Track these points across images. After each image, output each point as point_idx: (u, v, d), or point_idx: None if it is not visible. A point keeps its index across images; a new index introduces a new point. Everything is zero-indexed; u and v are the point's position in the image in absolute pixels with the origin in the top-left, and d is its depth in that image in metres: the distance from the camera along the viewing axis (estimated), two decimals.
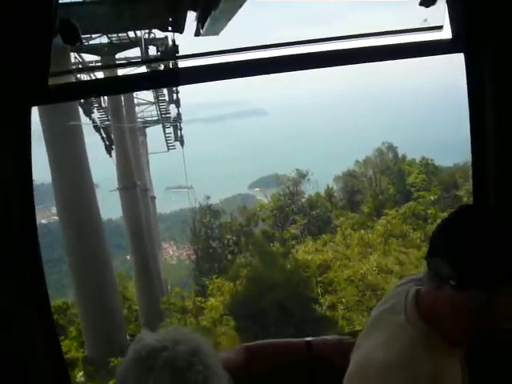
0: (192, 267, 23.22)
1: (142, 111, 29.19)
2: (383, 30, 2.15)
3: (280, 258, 17.56)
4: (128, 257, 25.74)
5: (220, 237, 21.65)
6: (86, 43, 16.20)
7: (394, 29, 2.19)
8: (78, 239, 15.26)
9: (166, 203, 43.24)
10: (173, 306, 17.26)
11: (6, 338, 1.85)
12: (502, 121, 1.99)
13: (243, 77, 2.09)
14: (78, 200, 14.99)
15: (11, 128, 1.80)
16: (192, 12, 2.72)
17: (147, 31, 16.89)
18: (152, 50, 17.85)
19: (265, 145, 67.87)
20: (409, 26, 2.18)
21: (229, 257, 20.47)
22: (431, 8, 2.03)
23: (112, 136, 21.24)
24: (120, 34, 16.74)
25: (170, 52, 15.44)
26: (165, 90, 24.62)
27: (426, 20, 2.25)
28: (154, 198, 30.05)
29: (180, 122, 27.90)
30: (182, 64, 2.18)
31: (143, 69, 2.45)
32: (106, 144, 22.92)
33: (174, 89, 24.00)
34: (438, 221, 1.57)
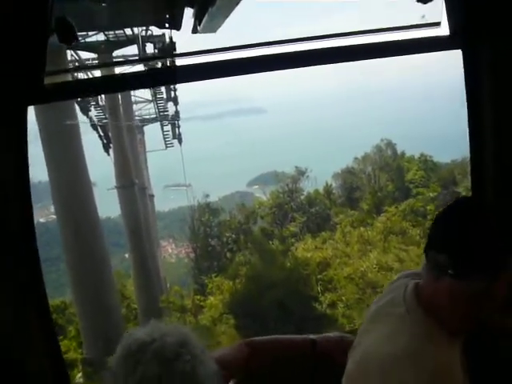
0: (191, 265, 23.19)
1: (140, 109, 29.16)
2: (381, 27, 2.14)
3: (279, 255, 17.55)
4: (127, 255, 25.64)
5: (219, 235, 21.63)
6: (83, 41, 16.14)
7: (392, 26, 2.18)
8: (75, 237, 15.21)
9: (165, 201, 43.16)
10: (172, 305, 17.22)
11: (5, 338, 1.83)
12: (499, 117, 2.00)
13: (241, 74, 2.12)
14: (76, 198, 14.93)
15: (8, 127, 1.81)
16: (189, 9, 2.74)
17: (144, 28, 16.85)
18: (149, 48, 17.83)
19: (263, 142, 67.78)
20: (407, 23, 2.18)
21: (228, 255, 20.45)
22: (429, 4, 2.02)
23: (110, 134, 21.16)
24: (117, 32, 16.66)
25: (168, 49, 15.39)
26: (163, 88, 24.55)
27: (423, 16, 2.31)
28: (152, 196, 30.01)
29: (178, 120, 27.87)
30: (179, 62, 2.17)
31: (141, 67, 2.43)
32: (103, 142, 22.85)
33: (172, 86, 23.96)
34: None
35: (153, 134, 30.59)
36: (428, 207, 19.22)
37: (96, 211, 16.32)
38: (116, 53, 17.53)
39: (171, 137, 28.87)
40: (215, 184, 40.16)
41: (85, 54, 17.66)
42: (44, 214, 36.08)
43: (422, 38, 2.09)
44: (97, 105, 21.88)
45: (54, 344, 2.04)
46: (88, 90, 2.46)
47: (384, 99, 77.57)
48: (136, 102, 28.15)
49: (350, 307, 14.40)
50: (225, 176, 53.47)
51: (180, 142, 28.52)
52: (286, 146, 61.09)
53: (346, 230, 18.14)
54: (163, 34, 16.94)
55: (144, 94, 27.84)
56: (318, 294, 15.16)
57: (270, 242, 19.41)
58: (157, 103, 26.39)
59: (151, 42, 17.59)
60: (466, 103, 2.09)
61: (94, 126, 22.35)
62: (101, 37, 16.61)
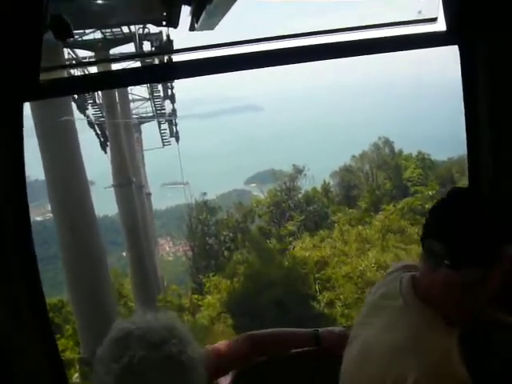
0: (189, 264, 23.17)
1: (137, 107, 29.00)
2: (377, 23, 2.14)
3: (277, 254, 17.54)
4: (124, 253, 25.61)
5: (216, 233, 21.64)
6: (80, 39, 16.03)
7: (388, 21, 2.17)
8: (72, 236, 15.11)
9: (162, 199, 43.22)
10: (169, 304, 17.18)
11: (2, 338, 1.80)
12: (496, 113, 1.99)
13: (238, 70, 2.08)
14: (72, 196, 14.83)
15: (3, 124, 1.78)
16: (186, 6, 2.67)
17: (141, 26, 16.76)
18: (147, 46, 17.75)
19: (261, 140, 67.90)
20: (403, 18, 2.16)
21: (225, 253, 20.45)
22: (426, 0, 2.07)
23: (107, 132, 21.08)
24: (114, 30, 16.56)
25: (165, 47, 15.34)
26: (160, 86, 24.49)
27: (420, 12, 2.30)
28: (149, 194, 29.95)
29: (175, 118, 27.80)
30: (175, 58, 2.19)
31: (138, 64, 2.41)
32: (100, 140, 22.81)
33: (169, 84, 23.91)
34: None
35: (150, 132, 30.52)
36: (426, 205, 19.17)
37: (93, 209, 16.23)
38: (113, 51, 17.42)
39: (168, 135, 28.80)
40: (212, 182, 40.24)
41: (82, 53, 17.57)
42: (41, 212, 36.02)
43: (418, 34, 2.06)
44: (94, 103, 21.81)
45: (51, 344, 2.03)
46: (84, 86, 2.45)
47: (382, 96, 77.77)
48: (133, 100, 28.04)
49: (348, 306, 14.34)
50: (222, 174, 53.54)
51: (177, 140, 28.49)
52: (283, 144, 61.22)
53: (344, 229, 18.12)
54: (160, 32, 16.92)
55: (141, 92, 27.77)
56: (316, 293, 15.11)
57: (268, 241, 19.41)
58: (154, 101, 26.28)
59: (148, 40, 17.53)
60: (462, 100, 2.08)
61: (91, 124, 22.29)
62: (98, 35, 16.51)
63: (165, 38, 16.74)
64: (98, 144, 23.04)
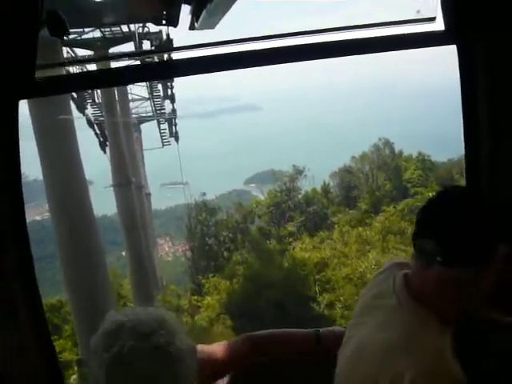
0: (188, 264, 23.14)
1: (137, 107, 28.98)
2: (376, 22, 2.13)
3: (277, 255, 17.51)
4: (123, 253, 25.57)
5: (216, 234, 21.60)
6: (79, 38, 15.98)
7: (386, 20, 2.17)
8: (70, 235, 15.03)
9: (162, 199, 43.19)
10: (168, 305, 17.13)
11: None
12: (495, 113, 1.98)
13: (238, 68, 2.09)
14: (70, 195, 14.74)
15: None
16: (187, 5, 2.66)
17: (141, 25, 16.70)
18: (146, 45, 17.69)
19: (260, 140, 67.93)
20: (401, 18, 2.16)
21: (225, 254, 20.41)
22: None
23: (106, 132, 21.02)
24: (113, 29, 16.50)
25: (165, 46, 15.29)
26: (159, 86, 24.43)
27: (418, 11, 2.33)
28: (149, 194, 29.90)
29: (175, 118, 27.75)
30: (175, 56, 2.18)
31: (137, 63, 2.40)
32: (100, 140, 22.74)
33: (169, 84, 23.87)
34: None
35: (150, 132, 30.49)
36: None
37: (91, 209, 16.15)
38: (112, 50, 17.36)
39: (168, 135, 28.76)
40: (212, 182, 40.24)
41: (81, 52, 17.51)
42: (39, 211, 35.98)
43: (416, 33, 2.06)
44: (93, 102, 21.75)
45: (47, 344, 2.03)
46: (81, 84, 2.42)
47: (381, 96, 77.83)
48: (133, 100, 28.03)
49: (348, 308, 14.29)
50: (222, 174, 53.53)
51: (177, 139, 28.44)
52: (283, 144, 61.20)
53: (344, 230, 18.13)
54: (160, 31, 16.88)
55: (141, 91, 27.75)
56: (315, 294, 15.12)
57: (268, 242, 19.38)
58: (153, 101, 26.25)
59: (148, 39, 17.48)
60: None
61: (90, 124, 22.22)
62: (97, 34, 16.46)
63: (164, 37, 16.70)
64: (98, 144, 22.99)
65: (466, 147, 2.09)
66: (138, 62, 2.75)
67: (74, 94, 19.16)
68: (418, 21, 2.10)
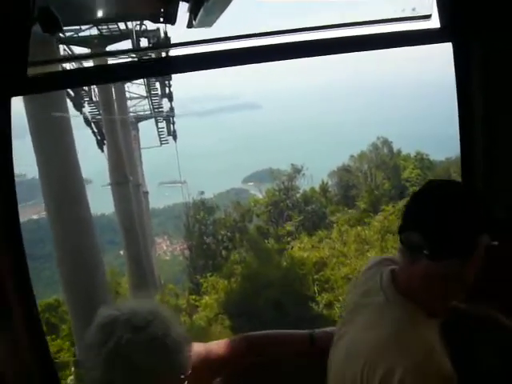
0: (186, 263, 23.11)
1: (135, 105, 28.97)
2: (372, 19, 2.15)
3: (275, 254, 17.48)
4: (121, 252, 25.51)
5: (214, 233, 21.58)
6: (76, 35, 15.90)
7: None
8: (66, 235, 14.97)
9: (160, 198, 43.12)
10: (166, 304, 17.04)
11: None
12: (489, 110, 2.02)
13: (236, 65, 2.10)
14: (67, 194, 14.66)
15: None
16: (184, 3, 2.64)
17: (139, 23, 16.62)
18: (144, 43, 17.60)
19: (259, 139, 67.87)
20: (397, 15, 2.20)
21: (223, 253, 20.38)
22: None
23: (103, 131, 20.94)
24: (110, 26, 16.41)
25: (162, 44, 15.21)
26: (157, 84, 24.39)
27: (414, 9, 2.48)
28: (146, 193, 29.81)
29: (173, 116, 27.69)
30: (172, 53, 2.20)
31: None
32: (97, 139, 22.62)
33: (167, 82, 23.84)
34: None
35: (147, 130, 30.44)
36: None
37: (88, 208, 16.07)
38: (109, 48, 17.28)
39: (166, 133, 28.71)
40: (210, 181, 40.17)
41: (78, 50, 17.42)
42: (36, 210, 35.86)
43: (412, 31, 2.09)
44: (90, 100, 21.67)
45: (41, 344, 2.04)
46: (75, 80, 2.42)
47: (380, 96, 77.84)
48: (130, 98, 27.99)
49: None
50: (220, 173, 53.46)
51: (175, 138, 28.39)
52: (282, 143, 61.14)
53: (343, 229, 18.09)
54: (158, 29, 16.81)
55: (139, 90, 27.71)
56: (314, 294, 15.08)
57: (266, 241, 19.36)
58: (151, 99, 26.22)
59: (145, 37, 17.39)
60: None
61: (87, 122, 22.12)
62: (94, 31, 16.38)
63: (162, 34, 16.63)
64: (95, 142, 22.90)
65: (461, 143, 2.14)
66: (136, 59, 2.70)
67: (71, 93, 19.09)
68: (414, 18, 2.13)
